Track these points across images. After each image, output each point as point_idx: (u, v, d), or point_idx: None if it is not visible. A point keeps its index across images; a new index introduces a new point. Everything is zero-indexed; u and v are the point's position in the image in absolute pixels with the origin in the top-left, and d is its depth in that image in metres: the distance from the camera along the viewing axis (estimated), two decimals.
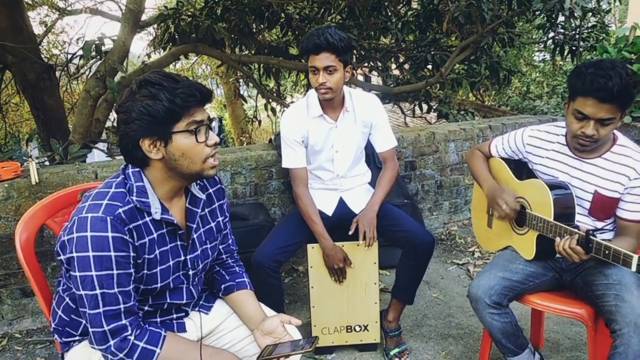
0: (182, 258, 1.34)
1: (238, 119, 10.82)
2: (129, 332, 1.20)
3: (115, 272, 1.16)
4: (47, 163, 3.24)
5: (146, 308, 1.33)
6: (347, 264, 2.16)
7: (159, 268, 1.28)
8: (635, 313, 1.51)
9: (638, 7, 8.17)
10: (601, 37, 4.76)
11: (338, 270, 2.15)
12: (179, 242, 1.32)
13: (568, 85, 1.67)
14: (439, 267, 3.14)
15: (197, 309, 1.49)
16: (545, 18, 4.62)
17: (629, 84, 1.53)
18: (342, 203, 2.26)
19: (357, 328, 2.26)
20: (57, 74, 4.91)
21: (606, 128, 1.61)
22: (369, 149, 2.33)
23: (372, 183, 2.34)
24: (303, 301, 2.77)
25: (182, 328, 1.41)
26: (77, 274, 1.16)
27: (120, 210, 1.18)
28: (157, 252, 1.27)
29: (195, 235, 1.36)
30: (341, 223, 2.20)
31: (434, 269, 3.10)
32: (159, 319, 1.37)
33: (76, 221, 1.17)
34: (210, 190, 1.45)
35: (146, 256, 1.25)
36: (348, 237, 2.16)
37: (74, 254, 1.15)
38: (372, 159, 2.74)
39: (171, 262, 1.31)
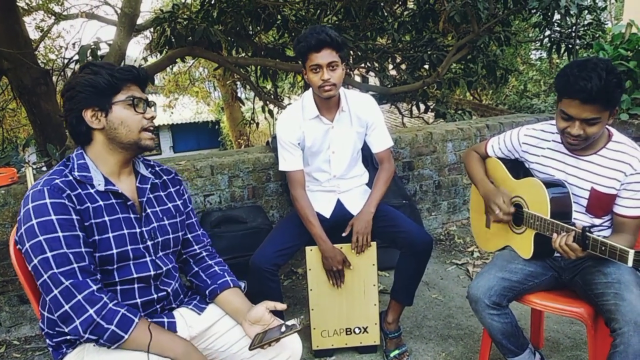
0: (138, 230, 1.39)
1: (236, 122, 10.84)
2: (92, 288, 1.23)
3: (60, 234, 1.23)
4: (44, 168, 3.23)
5: (119, 287, 1.35)
6: (346, 266, 2.15)
7: (111, 234, 1.32)
8: (635, 312, 1.50)
9: (634, 4, 8.18)
10: (597, 35, 4.76)
11: (337, 273, 2.13)
12: (132, 215, 1.38)
13: (554, 85, 1.68)
14: (438, 268, 3.13)
15: (190, 306, 1.50)
16: (541, 16, 4.63)
17: (610, 84, 1.52)
18: (339, 205, 2.25)
19: (357, 330, 2.25)
20: (54, 79, 4.90)
21: (593, 127, 1.61)
22: (366, 150, 2.32)
23: (370, 184, 2.33)
24: (302, 304, 2.76)
25: (172, 327, 1.41)
26: (27, 245, 1.23)
27: (57, 180, 1.28)
28: (106, 218, 1.33)
29: (149, 210, 1.43)
30: (339, 225, 2.19)
31: (433, 269, 3.09)
32: (139, 300, 1.38)
33: (22, 202, 1.27)
34: (165, 178, 1.54)
35: (93, 221, 1.30)
36: (346, 238, 2.15)
37: (22, 229, 1.24)
38: (370, 160, 2.73)
39: (125, 231, 1.35)
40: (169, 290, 1.45)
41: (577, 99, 1.56)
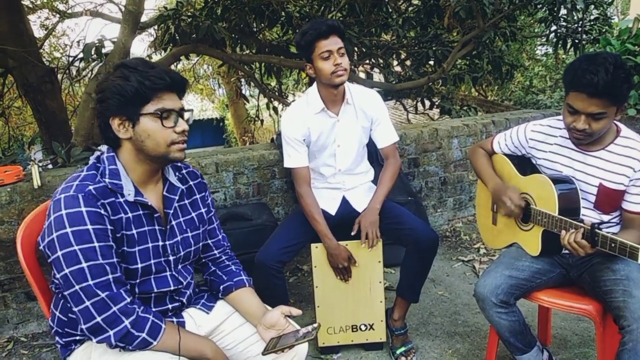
0: (161, 243, 1.35)
1: (240, 119, 10.83)
2: (127, 299, 1.22)
3: (96, 244, 1.19)
4: (50, 166, 3.24)
5: (137, 297, 1.34)
6: (351, 263, 2.14)
7: (137, 248, 1.30)
8: None
9: None
10: (604, 30, 4.72)
11: (343, 270, 2.13)
12: (157, 227, 1.34)
13: (562, 79, 1.67)
14: (444, 264, 3.12)
15: (197, 306, 1.49)
16: (547, 11, 4.58)
17: (618, 79, 1.51)
18: (345, 202, 2.24)
19: (363, 327, 2.25)
20: (59, 76, 4.92)
21: (599, 122, 1.59)
22: (372, 146, 2.31)
23: (376, 181, 2.32)
24: (308, 301, 2.76)
25: (181, 325, 1.41)
26: (59, 253, 1.18)
27: (91, 187, 1.22)
28: (134, 231, 1.29)
29: (174, 222, 1.39)
30: (345, 222, 2.18)
31: (439, 266, 3.08)
32: (153, 309, 1.37)
33: (52, 205, 1.21)
34: (191, 183, 1.48)
35: (124, 232, 1.27)
36: (352, 236, 2.15)
37: (54, 235, 1.18)
38: (375, 156, 2.72)
39: (150, 245, 1.32)
40: (184, 300, 1.45)
41: (584, 93, 1.55)
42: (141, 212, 1.31)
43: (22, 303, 2.58)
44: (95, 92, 1.28)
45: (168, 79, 1.23)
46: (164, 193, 1.38)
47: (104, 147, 1.33)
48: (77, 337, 1.35)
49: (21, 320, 2.60)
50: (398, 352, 2.22)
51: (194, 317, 1.46)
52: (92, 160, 1.31)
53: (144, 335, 1.23)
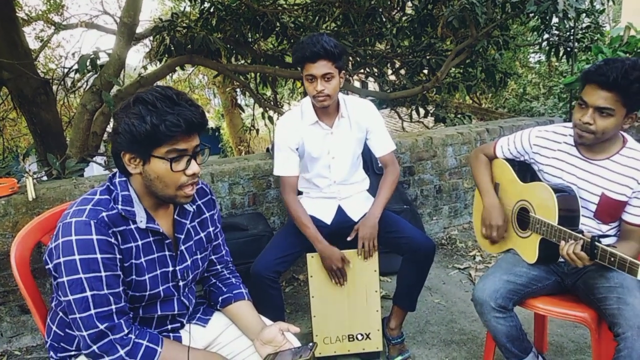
0: (171, 268, 1.34)
1: (236, 128, 10.86)
2: (125, 331, 1.22)
3: (103, 274, 1.18)
4: (44, 178, 3.23)
5: (139, 317, 1.33)
6: (346, 264, 2.12)
7: (147, 276, 1.29)
8: (638, 316, 1.50)
9: (632, 6, 8.22)
10: (596, 38, 4.77)
11: (338, 272, 2.12)
12: (167, 252, 1.33)
13: (579, 78, 1.70)
14: (440, 272, 3.12)
15: (194, 321, 1.48)
16: (540, 20, 4.63)
17: (631, 75, 1.52)
18: (340, 211, 2.25)
19: (359, 337, 2.24)
20: (54, 88, 4.92)
21: (605, 120, 1.59)
22: (367, 155, 2.32)
23: (371, 190, 2.32)
24: (304, 310, 2.75)
25: (178, 340, 1.40)
26: (65, 278, 1.17)
27: (104, 214, 1.21)
28: (143, 260, 1.28)
29: (184, 247, 1.37)
30: (340, 231, 2.18)
31: (435, 274, 3.08)
32: (154, 330, 1.37)
33: (61, 227, 1.19)
34: (199, 202, 1.45)
35: (134, 261, 1.26)
36: (347, 245, 2.14)
37: (61, 259, 1.17)
38: (370, 165, 2.73)
39: (159, 271, 1.31)
40: (184, 321, 1.44)
41: (596, 83, 1.58)
42: (151, 238, 1.30)
43: (15, 316, 2.56)
44: (113, 118, 1.24)
45: (184, 126, 1.16)
46: (175, 217, 1.36)
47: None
48: (72, 353, 1.34)
49: (15, 333, 2.58)
50: None
51: (190, 332, 1.45)
52: (106, 182, 1.29)
53: None
